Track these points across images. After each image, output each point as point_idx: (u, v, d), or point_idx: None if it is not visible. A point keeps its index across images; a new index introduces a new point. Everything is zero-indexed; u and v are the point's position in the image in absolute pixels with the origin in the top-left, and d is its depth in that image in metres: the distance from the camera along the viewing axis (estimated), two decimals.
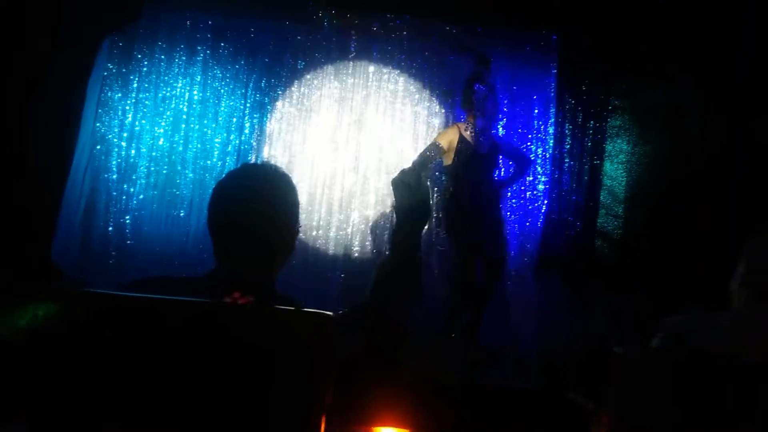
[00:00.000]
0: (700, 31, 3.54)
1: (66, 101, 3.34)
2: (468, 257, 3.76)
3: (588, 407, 2.24)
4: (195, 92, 4.32)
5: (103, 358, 0.92)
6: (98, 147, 4.16)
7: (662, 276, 3.58)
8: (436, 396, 2.56)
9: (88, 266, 4.06)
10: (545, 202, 4.30)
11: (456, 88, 4.41)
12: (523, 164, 4.06)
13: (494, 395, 2.76)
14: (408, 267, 3.46)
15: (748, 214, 3.01)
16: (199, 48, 4.31)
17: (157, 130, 4.27)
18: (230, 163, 4.30)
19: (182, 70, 4.31)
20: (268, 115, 4.39)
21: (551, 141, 4.36)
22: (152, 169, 4.25)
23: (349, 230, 4.32)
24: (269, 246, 1.28)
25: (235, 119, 4.36)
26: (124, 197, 4.21)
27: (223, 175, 1.36)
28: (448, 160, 3.82)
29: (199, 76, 4.32)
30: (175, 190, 4.26)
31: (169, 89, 4.29)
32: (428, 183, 3.81)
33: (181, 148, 4.29)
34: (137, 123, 4.26)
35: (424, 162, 3.86)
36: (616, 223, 4.26)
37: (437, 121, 4.44)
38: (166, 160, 4.27)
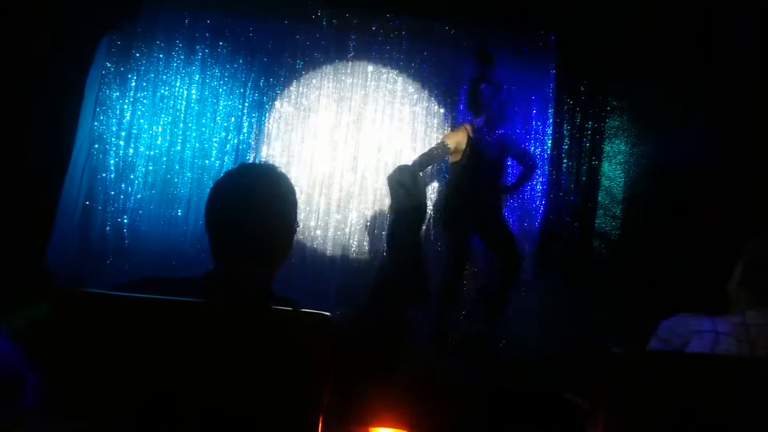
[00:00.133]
0: (699, 32, 3.55)
1: (64, 100, 3.33)
2: (461, 254, 3.78)
3: (584, 407, 2.25)
4: (193, 91, 4.32)
5: (101, 358, 0.92)
6: (96, 146, 4.15)
7: (660, 277, 3.58)
8: (433, 396, 2.57)
9: (86, 265, 4.05)
10: (543, 202, 4.31)
11: (454, 88, 4.42)
12: (530, 168, 4.04)
13: (491, 395, 2.76)
14: (407, 266, 3.45)
15: (746, 215, 3.02)
16: (197, 47, 4.31)
17: (155, 129, 4.27)
18: (228, 163, 4.29)
19: (181, 69, 4.30)
20: (267, 115, 4.38)
21: (549, 141, 4.36)
22: (150, 168, 4.24)
23: (347, 230, 4.32)
24: (267, 246, 1.28)
25: (233, 118, 4.35)
26: (122, 196, 4.20)
27: (221, 175, 1.35)
28: (454, 160, 3.82)
29: (197, 75, 4.32)
30: (173, 190, 4.25)
31: (167, 88, 4.29)
32: (425, 181, 3.81)
33: (179, 148, 4.28)
34: (135, 122, 4.25)
35: (428, 161, 3.88)
36: (614, 223, 4.27)
37: (436, 121, 4.45)
38: (164, 159, 4.26)
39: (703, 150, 3.54)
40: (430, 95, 4.45)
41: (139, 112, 4.26)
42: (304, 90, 4.40)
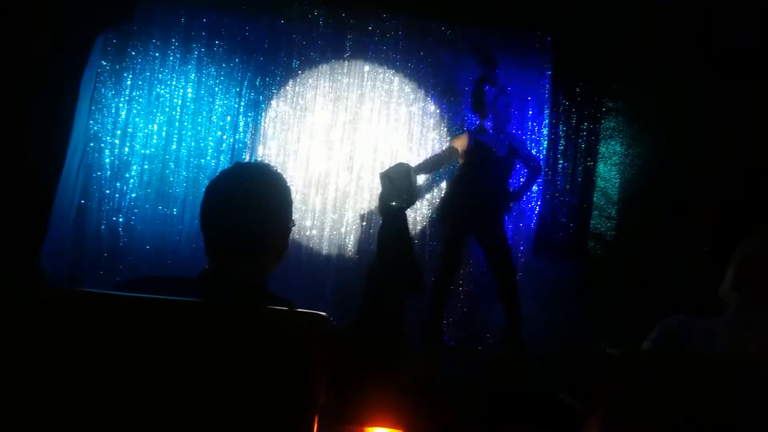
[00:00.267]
0: (694, 33, 3.56)
1: (59, 98, 3.32)
2: (455, 254, 3.78)
3: (579, 408, 2.25)
4: (189, 90, 4.30)
5: (96, 358, 0.92)
6: (91, 144, 4.14)
7: (655, 277, 3.60)
8: (428, 396, 2.57)
9: (81, 264, 4.04)
10: (539, 203, 4.32)
11: (451, 88, 4.43)
12: (535, 172, 4.04)
13: (486, 396, 2.77)
14: (397, 259, 3.46)
15: (741, 216, 3.03)
16: (193, 46, 4.30)
17: (150, 128, 4.25)
18: (224, 162, 4.28)
19: (176, 68, 4.29)
20: (263, 114, 4.38)
21: (545, 142, 4.37)
22: (146, 167, 4.23)
23: (343, 230, 4.32)
24: (262, 245, 1.27)
25: (229, 117, 4.34)
26: (117, 195, 4.18)
27: (217, 174, 1.35)
28: (462, 161, 3.85)
29: (193, 74, 4.31)
30: (168, 189, 4.24)
31: (163, 87, 4.28)
32: (416, 179, 3.80)
33: (174, 146, 4.27)
34: (131, 120, 4.24)
35: (434, 164, 3.91)
36: (609, 224, 4.28)
37: (432, 121, 4.45)
38: (160, 158, 4.25)
39: (698, 151, 3.56)
40: (426, 95, 4.46)
41: (135, 111, 4.24)
42: (301, 89, 4.39)
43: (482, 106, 3.82)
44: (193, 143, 4.29)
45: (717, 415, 1.01)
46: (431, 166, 3.97)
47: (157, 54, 4.27)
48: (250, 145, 4.35)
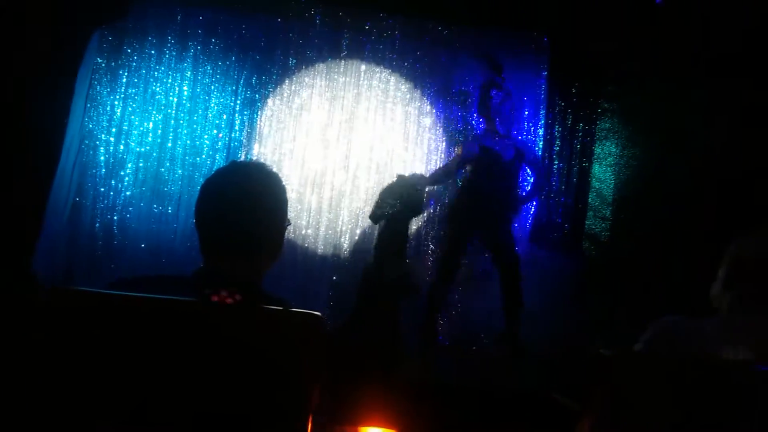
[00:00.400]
0: (690, 35, 3.57)
1: (54, 96, 3.30)
2: (456, 256, 3.79)
3: (573, 408, 2.26)
4: (185, 88, 4.29)
5: (90, 357, 0.92)
6: (86, 142, 4.12)
7: (650, 278, 3.61)
8: (422, 396, 2.57)
9: (75, 263, 4.02)
10: (534, 203, 4.32)
11: (447, 88, 4.43)
12: (540, 177, 4.06)
13: (479, 396, 2.77)
14: (396, 263, 3.47)
15: (735, 217, 3.04)
16: (189, 43, 4.29)
17: (146, 126, 4.24)
18: (220, 160, 4.27)
19: (172, 66, 4.28)
20: (259, 113, 4.37)
21: (541, 143, 4.38)
22: (141, 165, 4.22)
23: (339, 229, 4.32)
24: (257, 244, 1.27)
25: (225, 116, 4.33)
26: (112, 193, 4.17)
27: (212, 173, 1.35)
28: (469, 166, 3.87)
29: (189, 72, 4.30)
30: (163, 187, 4.23)
31: (158, 84, 4.26)
32: (422, 194, 3.85)
33: (170, 144, 4.26)
34: (126, 118, 4.22)
35: (445, 174, 3.93)
36: (603, 225, 4.29)
37: (428, 121, 4.45)
38: (155, 156, 4.23)
39: (692, 152, 3.57)
40: (422, 95, 4.46)
41: (130, 109, 4.23)
42: (297, 88, 4.39)
43: (489, 110, 3.82)
44: (188, 141, 4.28)
45: (711, 416, 1.01)
46: (441, 176, 4.00)
47: (152, 51, 4.25)
48: (245, 144, 4.34)
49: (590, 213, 4.35)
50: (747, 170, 3.18)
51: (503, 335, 3.77)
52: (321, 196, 4.32)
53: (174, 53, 4.28)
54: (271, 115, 4.37)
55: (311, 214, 4.31)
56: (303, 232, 4.29)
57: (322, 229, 4.31)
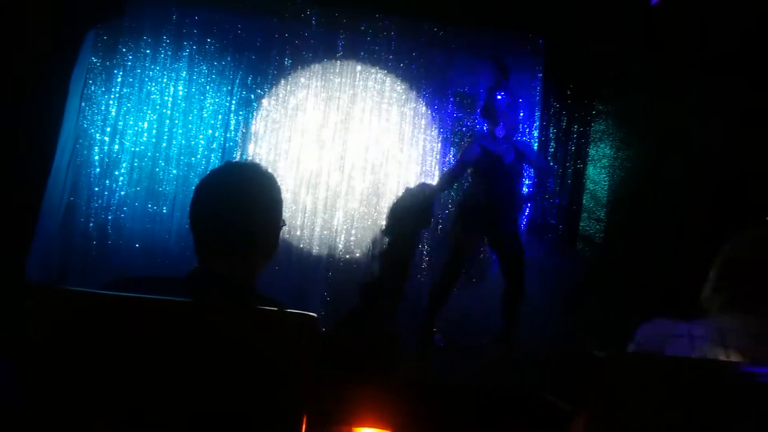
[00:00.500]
0: (685, 37, 3.59)
1: (49, 95, 3.29)
2: (461, 258, 3.80)
3: (565, 409, 2.26)
4: (180, 88, 4.28)
5: (85, 358, 0.91)
6: (81, 141, 4.10)
7: (644, 280, 3.62)
8: (418, 397, 2.57)
9: (70, 262, 4.00)
10: (529, 205, 4.34)
11: (443, 89, 4.44)
12: (544, 173, 4.06)
13: (473, 396, 2.77)
14: (402, 270, 3.50)
15: (731, 219, 3.05)
16: (185, 43, 4.28)
17: (140, 126, 4.23)
18: (215, 160, 4.27)
19: (167, 65, 4.27)
20: (254, 113, 4.36)
21: (536, 145, 4.39)
22: (135, 164, 4.20)
23: (334, 230, 4.32)
24: (251, 244, 1.27)
25: (220, 116, 4.33)
26: (106, 193, 4.15)
27: (207, 173, 1.35)
28: (472, 170, 3.88)
29: (184, 72, 4.28)
30: (158, 187, 4.22)
31: (153, 84, 4.25)
32: (433, 206, 3.89)
33: (165, 144, 4.25)
34: (121, 118, 4.20)
35: (450, 180, 3.94)
36: (598, 226, 4.31)
37: (423, 122, 4.46)
38: (150, 156, 4.22)
39: (687, 154, 3.58)
40: (418, 96, 4.47)
41: (125, 108, 4.21)
42: (292, 88, 4.38)
43: (494, 113, 3.82)
44: (183, 141, 4.27)
45: (705, 417, 1.01)
46: (447, 183, 3.99)
47: (147, 51, 4.24)
48: (240, 144, 4.34)
49: (584, 214, 4.37)
50: (742, 171, 3.19)
51: (501, 334, 3.78)
52: (316, 197, 4.32)
53: (169, 53, 4.27)
54: (267, 116, 4.37)
55: (306, 215, 4.30)
56: (298, 232, 4.28)
57: (317, 229, 4.30)
